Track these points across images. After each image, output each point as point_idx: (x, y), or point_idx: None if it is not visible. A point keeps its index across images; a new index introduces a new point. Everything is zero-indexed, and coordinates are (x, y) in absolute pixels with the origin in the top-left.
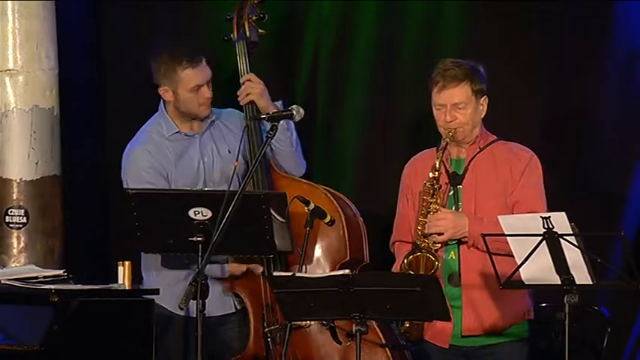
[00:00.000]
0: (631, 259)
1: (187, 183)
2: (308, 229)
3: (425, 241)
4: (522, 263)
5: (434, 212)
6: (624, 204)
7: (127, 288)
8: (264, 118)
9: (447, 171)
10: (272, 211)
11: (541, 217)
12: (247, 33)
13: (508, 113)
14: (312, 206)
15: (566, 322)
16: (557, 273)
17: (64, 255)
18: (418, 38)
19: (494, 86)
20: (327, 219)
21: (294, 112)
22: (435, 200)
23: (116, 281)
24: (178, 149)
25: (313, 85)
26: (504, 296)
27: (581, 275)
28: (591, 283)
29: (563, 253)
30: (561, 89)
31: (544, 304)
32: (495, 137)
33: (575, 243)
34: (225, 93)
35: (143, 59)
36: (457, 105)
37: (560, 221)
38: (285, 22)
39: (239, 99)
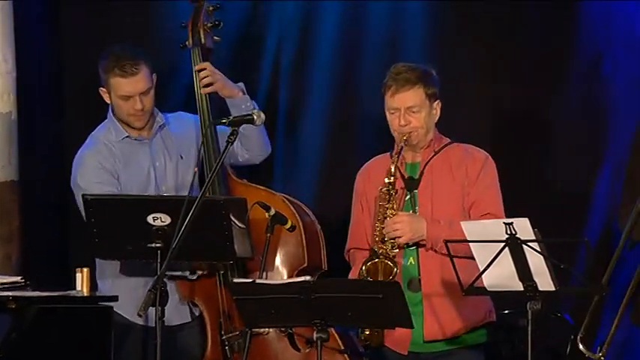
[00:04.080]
0: (594, 264)
1: (136, 188)
2: (269, 235)
3: (382, 247)
4: (485, 270)
5: (390, 217)
6: (588, 207)
7: (85, 295)
8: (224, 122)
9: (402, 176)
10: (232, 217)
11: (504, 222)
12: (202, 40)
13: (470, 113)
14: (272, 212)
15: (529, 329)
16: (520, 279)
17: (21, 261)
18: (381, 39)
19: (458, 87)
20: (288, 225)
21: (255, 117)
22: (391, 206)
23: (74, 288)
24: (127, 153)
25: (275, 87)
26: (466, 300)
27: (544, 281)
28: (554, 289)
29: (526, 259)
30: (525, 90)
31: (506, 311)
32: (449, 140)
33: (538, 249)
34: (182, 99)
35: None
36: (411, 108)
37: (523, 227)
38: (246, 26)
39: (201, 91)
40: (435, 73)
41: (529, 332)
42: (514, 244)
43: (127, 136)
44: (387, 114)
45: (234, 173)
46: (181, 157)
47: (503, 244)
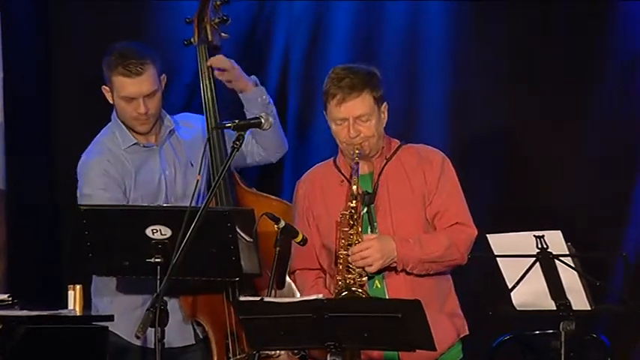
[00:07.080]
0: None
1: (147, 199)
2: (278, 249)
3: (349, 277)
4: (514, 287)
5: (355, 244)
6: (625, 219)
7: (77, 314)
8: (229, 126)
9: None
10: (238, 230)
11: (534, 235)
12: (209, 37)
13: (493, 115)
14: (282, 224)
15: (563, 352)
16: (552, 297)
17: (8, 277)
18: (395, 39)
19: (486, 88)
20: (299, 238)
21: (263, 120)
22: (355, 231)
23: (66, 307)
24: (137, 162)
25: (283, 89)
26: (439, 319)
27: (579, 300)
28: (589, 308)
29: (559, 276)
30: (554, 93)
31: (538, 332)
32: (399, 142)
33: (572, 264)
34: (182, 99)
35: (95, 68)
36: (360, 118)
37: (556, 240)
38: (253, 24)
39: (216, 74)
40: (378, 72)
41: (562, 355)
42: (546, 259)
43: (134, 143)
44: (332, 125)
45: (242, 181)
46: (191, 165)
47: (533, 259)
